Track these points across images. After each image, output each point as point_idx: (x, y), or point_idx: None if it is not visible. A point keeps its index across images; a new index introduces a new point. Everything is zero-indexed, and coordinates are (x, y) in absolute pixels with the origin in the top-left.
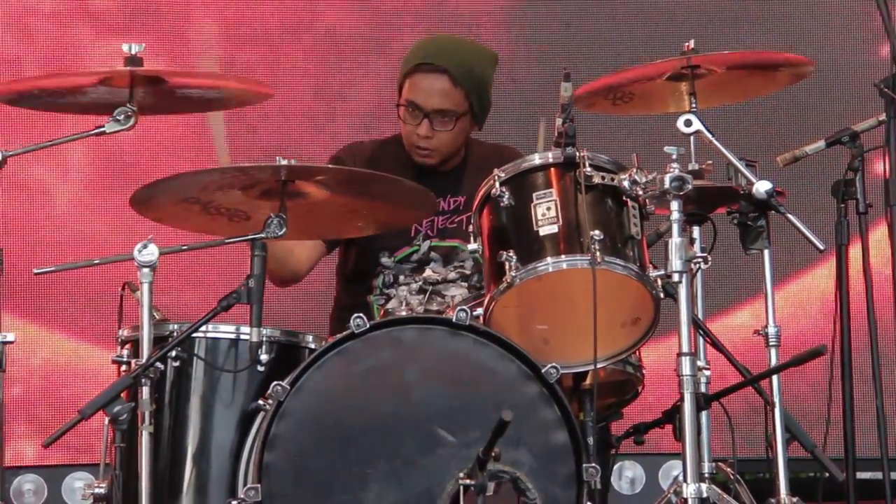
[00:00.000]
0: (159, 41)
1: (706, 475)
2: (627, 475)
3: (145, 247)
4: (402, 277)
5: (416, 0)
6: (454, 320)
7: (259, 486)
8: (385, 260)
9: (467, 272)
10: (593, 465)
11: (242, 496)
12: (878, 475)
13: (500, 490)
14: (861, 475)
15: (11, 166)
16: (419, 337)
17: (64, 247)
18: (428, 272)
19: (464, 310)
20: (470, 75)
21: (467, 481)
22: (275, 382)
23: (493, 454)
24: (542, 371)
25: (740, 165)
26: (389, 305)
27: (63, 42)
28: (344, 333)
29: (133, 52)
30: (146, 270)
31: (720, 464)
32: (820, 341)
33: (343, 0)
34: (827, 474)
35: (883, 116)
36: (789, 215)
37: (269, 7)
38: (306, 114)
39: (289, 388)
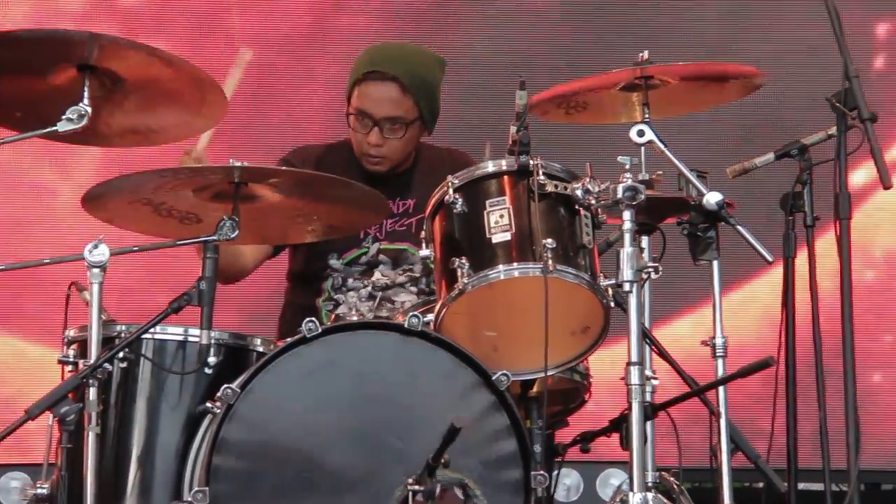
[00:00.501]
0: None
1: (650, 484)
2: (565, 482)
3: (96, 247)
4: (350, 281)
5: (370, 5)
6: (406, 326)
7: (207, 488)
8: (334, 262)
9: (416, 275)
10: (542, 472)
11: (190, 499)
12: (820, 486)
13: (448, 497)
14: (803, 486)
15: None
16: (371, 342)
17: (16, 246)
18: (377, 275)
19: (416, 316)
20: (419, 82)
21: (416, 487)
22: (225, 385)
23: (442, 461)
24: (493, 378)
25: (692, 176)
26: (339, 311)
27: None
28: (296, 337)
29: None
30: (96, 271)
31: (663, 473)
32: (761, 352)
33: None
34: (762, 484)
35: (832, 130)
36: (739, 227)
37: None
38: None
39: (239, 391)
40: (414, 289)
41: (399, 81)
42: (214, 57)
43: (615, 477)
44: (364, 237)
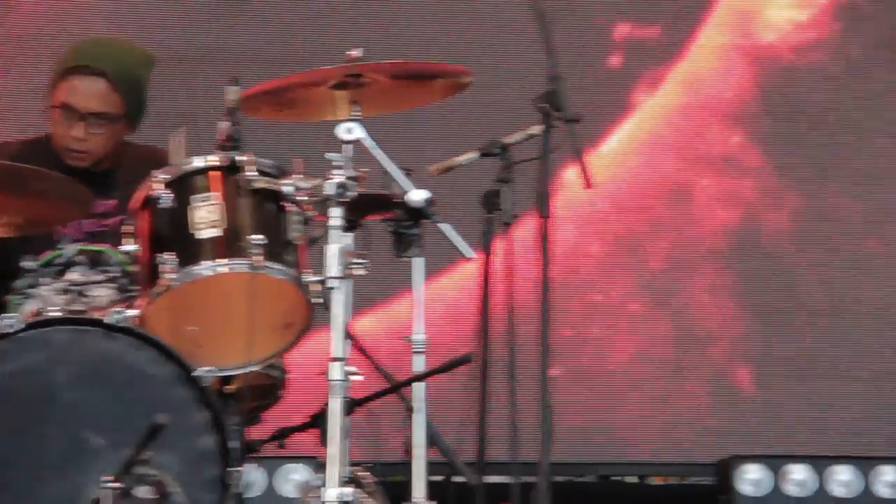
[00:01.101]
0: None
1: (345, 479)
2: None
3: None
4: (44, 279)
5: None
6: (109, 322)
7: None
8: (28, 264)
9: (115, 275)
10: (238, 469)
11: None
12: (508, 478)
13: (141, 494)
14: (495, 479)
15: None
16: (72, 338)
17: None
18: (74, 276)
19: (119, 311)
20: (128, 78)
21: (114, 485)
22: None
23: (142, 458)
24: (194, 374)
25: (396, 174)
26: (30, 306)
27: None
28: None
29: None
30: None
31: (356, 468)
32: (451, 348)
33: None
34: (442, 478)
35: (533, 130)
36: (440, 224)
37: None
38: None
39: None
40: (113, 284)
41: (107, 77)
42: None
43: (296, 472)
44: (60, 239)
